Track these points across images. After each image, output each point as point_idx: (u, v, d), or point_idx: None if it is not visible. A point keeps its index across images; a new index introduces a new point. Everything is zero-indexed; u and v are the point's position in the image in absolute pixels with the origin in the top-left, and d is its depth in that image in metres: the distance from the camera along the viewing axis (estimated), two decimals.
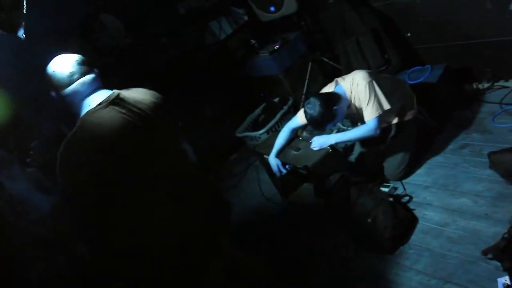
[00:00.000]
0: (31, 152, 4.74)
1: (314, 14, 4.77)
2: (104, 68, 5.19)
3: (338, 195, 3.08)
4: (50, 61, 2.15)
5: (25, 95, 4.84)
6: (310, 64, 4.72)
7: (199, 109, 5.21)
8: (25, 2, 2.80)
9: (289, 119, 4.46)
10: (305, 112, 3.14)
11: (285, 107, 4.85)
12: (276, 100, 5.09)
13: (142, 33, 5.36)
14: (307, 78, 4.71)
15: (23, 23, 2.85)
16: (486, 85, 3.83)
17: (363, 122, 3.19)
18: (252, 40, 5.09)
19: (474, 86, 3.90)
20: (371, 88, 3.04)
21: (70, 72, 2.03)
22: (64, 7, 4.82)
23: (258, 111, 5.17)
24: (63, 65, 2.06)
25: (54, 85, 2.05)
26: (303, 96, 4.73)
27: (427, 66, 3.93)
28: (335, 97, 3.13)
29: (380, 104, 3.05)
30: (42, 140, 4.89)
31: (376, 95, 3.04)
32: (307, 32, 4.85)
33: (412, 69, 4.02)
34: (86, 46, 5.16)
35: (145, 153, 2.02)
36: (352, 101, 3.19)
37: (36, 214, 3.85)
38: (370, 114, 3.07)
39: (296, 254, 3.41)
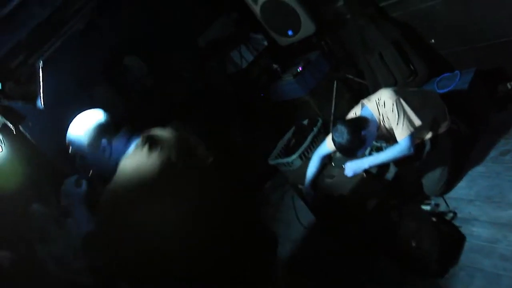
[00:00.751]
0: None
1: (333, 32, 4.68)
2: (132, 110, 5.30)
3: (377, 221, 2.97)
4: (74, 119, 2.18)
5: (56, 146, 4.94)
6: (335, 82, 4.62)
7: (228, 141, 5.19)
8: (41, 74, 2.85)
9: (321, 140, 4.38)
10: (333, 140, 3.05)
11: (315, 129, 4.74)
12: (305, 122, 5.00)
13: (165, 70, 5.40)
14: (334, 97, 4.61)
15: (41, 93, 2.89)
16: None
17: (396, 140, 3.07)
18: (274, 65, 5.04)
19: (509, 87, 3.71)
20: (399, 106, 2.92)
21: (98, 132, 2.06)
22: (86, 58, 4.92)
23: (288, 135, 5.08)
24: (89, 124, 2.08)
25: (85, 146, 2.06)
26: (331, 116, 4.63)
27: (456, 72, 3.78)
28: (362, 121, 3.02)
29: (410, 122, 2.93)
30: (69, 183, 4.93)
31: (405, 113, 2.92)
32: (328, 50, 4.76)
33: (440, 77, 3.87)
34: (112, 92, 5.24)
35: (177, 185, 1.98)
36: (381, 123, 3.08)
37: (76, 264, 3.88)
38: (401, 134, 2.95)
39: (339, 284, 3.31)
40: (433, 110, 3.17)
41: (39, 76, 2.83)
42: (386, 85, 4.03)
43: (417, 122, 2.93)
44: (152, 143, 2.02)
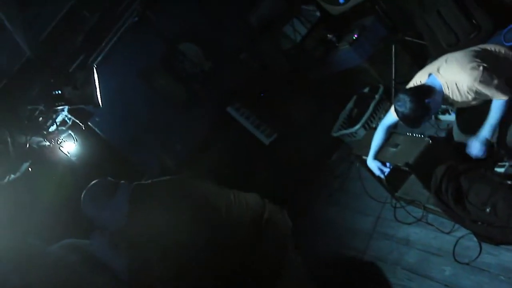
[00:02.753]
0: None
1: None
2: (193, 95, 5.41)
3: (447, 188, 2.85)
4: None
5: (125, 138, 5.16)
6: (393, 46, 4.44)
7: (290, 118, 5.17)
8: (95, 75, 2.94)
9: (384, 107, 4.26)
10: (395, 110, 2.92)
11: (377, 96, 4.63)
12: (366, 90, 4.89)
13: (221, 54, 5.44)
14: (393, 61, 4.44)
15: (97, 94, 2.99)
16: None
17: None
18: (329, 35, 4.93)
19: None
20: (485, 85, 2.71)
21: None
22: (143, 50, 5.04)
23: (350, 105, 5.00)
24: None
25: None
26: (393, 81, 4.48)
27: None
28: (425, 89, 2.85)
29: (501, 89, 2.72)
30: (150, 176, 5.15)
31: (493, 85, 2.70)
32: (383, 14, 4.56)
33: (507, 29, 3.60)
34: (172, 79, 5.36)
35: None
36: (449, 95, 2.88)
37: None
38: (499, 97, 2.74)
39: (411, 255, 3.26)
40: (506, 72, 2.94)
41: (94, 78, 2.94)
42: (448, 44, 3.84)
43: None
44: None
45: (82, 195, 2.63)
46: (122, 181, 2.69)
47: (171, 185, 2.76)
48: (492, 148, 2.90)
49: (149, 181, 2.79)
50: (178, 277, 2.47)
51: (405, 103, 2.80)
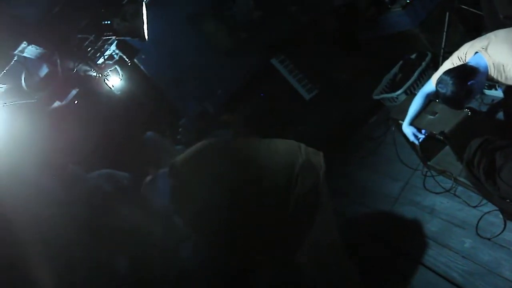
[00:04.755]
0: (180, 129, 5.14)
1: None
2: (239, 43, 5.44)
3: (480, 162, 2.82)
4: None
5: (168, 78, 5.26)
6: (447, 13, 4.31)
7: (333, 76, 5.15)
8: (144, 10, 3.00)
9: (429, 76, 4.18)
10: (437, 92, 2.85)
11: (423, 64, 4.53)
12: (413, 56, 4.78)
13: (271, 4, 5.41)
14: (445, 29, 4.32)
15: (145, 28, 3.05)
16: None
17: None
18: None
19: None
20: None
21: None
22: None
23: (395, 70, 4.92)
24: None
25: None
26: (442, 50, 4.37)
27: None
28: (469, 70, 2.73)
29: None
30: (188, 118, 5.28)
31: None
32: None
33: None
34: (220, 26, 5.38)
35: None
36: (494, 75, 2.76)
37: None
38: None
39: (434, 224, 3.27)
40: None
41: (142, 12, 3.00)
42: (505, 16, 3.69)
43: None
44: None
45: None
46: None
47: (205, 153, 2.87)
48: None
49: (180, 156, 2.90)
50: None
51: (447, 85, 2.73)
